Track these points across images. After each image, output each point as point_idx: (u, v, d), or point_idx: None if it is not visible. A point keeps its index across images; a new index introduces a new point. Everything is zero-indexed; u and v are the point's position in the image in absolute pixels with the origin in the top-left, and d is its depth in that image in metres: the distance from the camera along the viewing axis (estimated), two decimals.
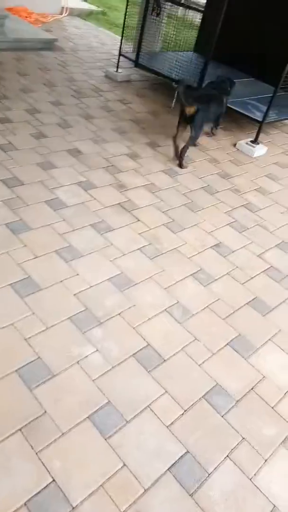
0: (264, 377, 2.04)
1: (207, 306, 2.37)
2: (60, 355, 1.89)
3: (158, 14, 4.66)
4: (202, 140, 4.25)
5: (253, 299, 2.50)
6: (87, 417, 1.70)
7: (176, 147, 3.68)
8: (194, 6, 5.30)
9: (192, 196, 3.36)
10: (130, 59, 5.04)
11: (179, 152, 3.66)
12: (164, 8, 5.04)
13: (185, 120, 3.53)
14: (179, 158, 3.67)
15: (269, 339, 2.26)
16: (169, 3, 4.92)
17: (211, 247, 2.86)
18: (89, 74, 5.21)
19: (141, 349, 2.01)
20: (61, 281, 2.26)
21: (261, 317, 2.39)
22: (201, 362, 2.03)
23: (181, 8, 5.18)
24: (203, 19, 5.23)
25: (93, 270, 2.39)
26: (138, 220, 2.91)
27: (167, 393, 1.86)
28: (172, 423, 1.76)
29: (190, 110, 3.48)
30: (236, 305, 2.42)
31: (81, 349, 1.94)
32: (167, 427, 1.74)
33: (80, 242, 2.57)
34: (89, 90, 4.74)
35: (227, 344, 2.17)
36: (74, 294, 2.20)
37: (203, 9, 5.03)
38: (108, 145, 3.74)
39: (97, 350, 1.95)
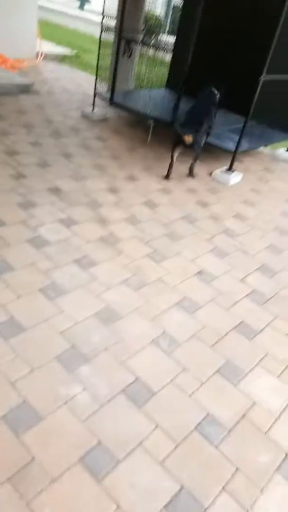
0: (254, 402, 2.04)
1: (193, 335, 2.37)
2: (47, 397, 1.86)
3: (129, 56, 4.89)
4: (179, 170, 4.39)
5: (238, 324, 2.52)
6: (78, 461, 1.66)
7: (171, 169, 4.19)
8: (164, 44, 5.59)
9: (173, 226, 3.43)
10: (105, 99, 5.24)
11: (190, 169, 4.34)
12: (135, 49, 5.30)
13: (185, 146, 4.03)
14: (191, 172, 4.34)
15: (257, 363, 2.27)
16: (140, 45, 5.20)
17: (194, 274, 2.90)
18: (66, 114, 5.38)
19: (129, 384, 1.99)
20: (46, 320, 2.25)
21: (247, 342, 2.40)
22: (191, 393, 2.02)
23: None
24: (173, 57, 5.51)
25: (78, 306, 2.39)
26: (121, 253, 2.95)
27: (158, 427, 1.84)
28: (165, 459, 1.73)
29: (188, 139, 3.93)
30: (222, 331, 2.44)
31: (68, 389, 1.92)
32: (160, 463, 1.71)
33: (64, 278, 2.58)
34: (67, 129, 4.89)
35: (216, 371, 2.16)
36: (60, 332, 2.19)
37: (172, 49, 5.30)
38: (88, 181, 3.82)
39: (85, 389, 1.93)
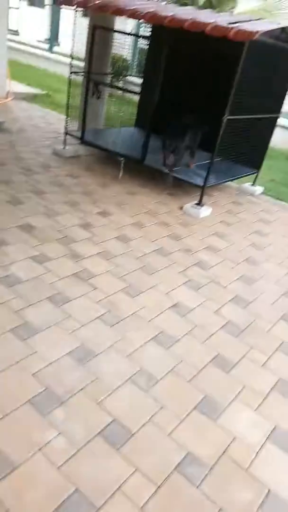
0: (234, 438, 2.01)
1: (171, 370, 2.35)
2: (21, 444, 1.78)
3: (98, 97, 5.07)
4: (150, 205, 4.48)
5: (215, 357, 2.52)
6: (54, 510, 1.57)
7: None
8: (132, 84, 5.85)
9: (147, 259, 3.46)
10: (76, 137, 5.36)
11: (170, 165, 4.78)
12: (104, 90, 5.50)
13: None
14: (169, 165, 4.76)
15: (235, 397, 2.26)
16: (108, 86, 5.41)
17: (169, 308, 2.91)
18: (38, 152, 5.45)
19: (107, 426, 1.93)
20: (17, 362, 2.17)
21: (224, 375, 2.40)
22: (170, 431, 1.98)
23: None
24: (140, 97, 5.75)
25: (51, 346, 2.33)
26: (95, 288, 2.93)
27: (137, 470, 1.77)
28: (145, 503, 1.66)
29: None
30: (199, 365, 2.43)
31: (43, 434, 1.83)
32: (140, 508, 1.64)
33: (36, 317, 2.53)
34: (39, 167, 4.94)
35: (195, 408, 2.14)
36: (32, 374, 2.12)
37: (139, 91, 5.53)
38: (61, 218, 3.83)
39: (60, 433, 1.85)
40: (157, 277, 3.24)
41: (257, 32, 3.41)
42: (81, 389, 2.10)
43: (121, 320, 2.67)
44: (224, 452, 1.93)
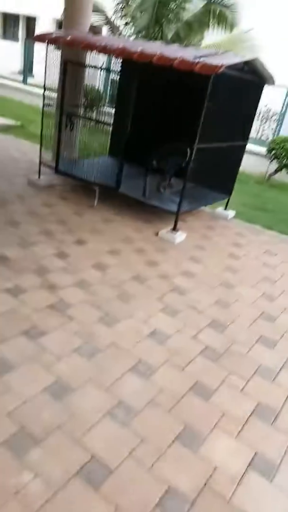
0: (215, 468, 1.99)
1: (150, 401, 2.32)
2: None
3: (71, 129, 5.16)
4: (126, 232, 4.52)
5: (194, 384, 2.51)
6: None
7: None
8: (106, 114, 5.98)
9: (123, 286, 3.46)
10: (50, 167, 5.40)
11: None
12: (77, 121, 5.60)
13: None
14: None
15: (215, 425, 2.24)
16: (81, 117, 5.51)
17: (147, 335, 2.90)
18: (12, 182, 5.45)
19: (85, 464, 1.88)
20: None
21: (204, 403, 2.39)
22: (150, 465, 1.94)
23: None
24: (113, 127, 5.87)
25: (26, 382, 2.27)
26: (72, 319, 2.90)
27: (118, 509, 1.72)
28: None
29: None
30: (179, 394, 2.41)
31: (18, 478, 1.76)
32: None
33: (11, 353, 2.47)
34: (13, 197, 4.93)
35: (175, 439, 2.11)
36: (7, 414, 2.05)
37: (111, 121, 5.67)
38: (36, 248, 3.81)
39: (36, 475, 1.79)
40: (134, 304, 3.24)
41: (221, 65, 3.59)
42: (58, 426, 2.04)
43: (99, 351, 2.64)
44: (205, 484, 1.90)
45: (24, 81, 12.92)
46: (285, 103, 9.05)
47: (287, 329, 3.31)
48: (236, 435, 2.20)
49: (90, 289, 3.33)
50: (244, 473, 1.99)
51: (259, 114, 10.22)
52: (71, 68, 4.99)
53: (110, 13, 9.94)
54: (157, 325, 3.03)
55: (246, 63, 4.31)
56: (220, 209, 5.72)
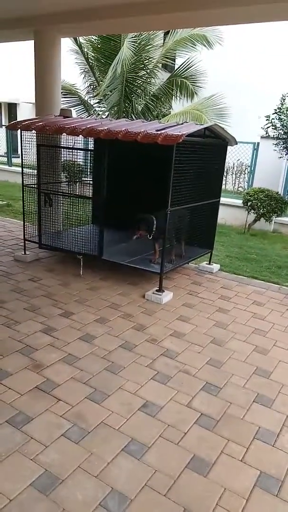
0: None
1: (145, 485, 2.17)
2: None
3: (50, 205, 5.35)
4: (113, 297, 4.51)
5: (191, 459, 2.36)
6: None
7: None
8: (89, 184, 6.22)
9: (111, 357, 3.37)
10: (34, 242, 5.51)
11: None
12: (56, 197, 5.81)
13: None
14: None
15: (217, 504, 2.08)
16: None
17: (138, 409, 2.77)
18: None
19: None
20: None
21: (203, 480, 2.23)
22: None
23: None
24: (93, 196, 6.09)
25: (11, 478, 2.13)
26: (59, 400, 2.79)
27: None
28: None
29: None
30: (175, 473, 2.26)
31: None
32: None
33: None
34: None
35: None
36: None
37: (90, 196, 5.89)
38: (21, 326, 3.76)
39: None
40: (123, 375, 3.14)
41: (181, 135, 3.83)
42: None
43: (88, 433, 2.51)
44: None
45: (9, 163, 13.61)
46: (254, 157, 9.56)
47: (282, 384, 3.20)
48: None
49: (77, 364, 3.24)
50: None
51: (233, 168, 10.74)
52: (45, 150, 5.29)
53: (83, 93, 10.77)
54: (148, 396, 2.91)
55: (207, 129, 4.60)
56: (204, 264, 5.77)
